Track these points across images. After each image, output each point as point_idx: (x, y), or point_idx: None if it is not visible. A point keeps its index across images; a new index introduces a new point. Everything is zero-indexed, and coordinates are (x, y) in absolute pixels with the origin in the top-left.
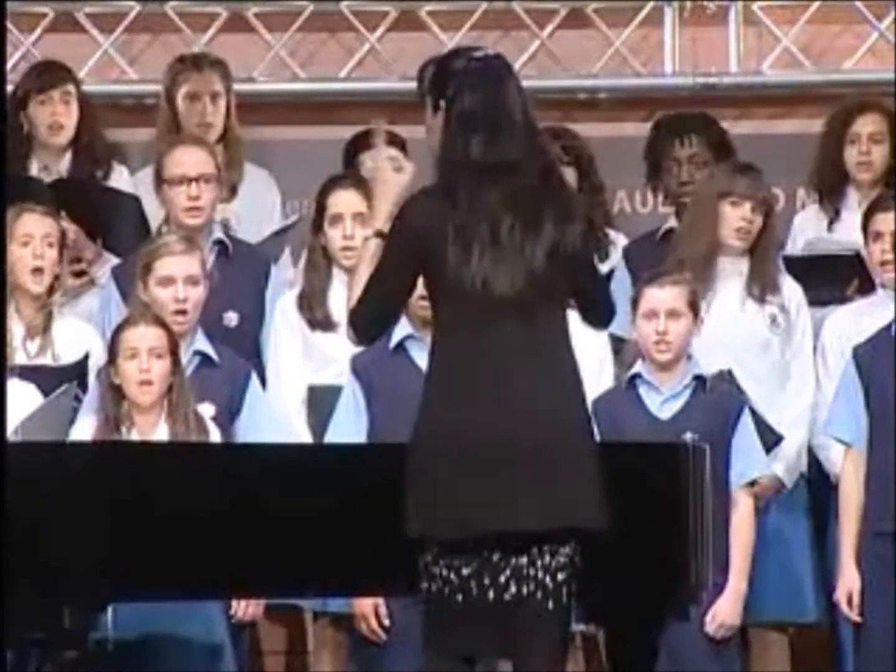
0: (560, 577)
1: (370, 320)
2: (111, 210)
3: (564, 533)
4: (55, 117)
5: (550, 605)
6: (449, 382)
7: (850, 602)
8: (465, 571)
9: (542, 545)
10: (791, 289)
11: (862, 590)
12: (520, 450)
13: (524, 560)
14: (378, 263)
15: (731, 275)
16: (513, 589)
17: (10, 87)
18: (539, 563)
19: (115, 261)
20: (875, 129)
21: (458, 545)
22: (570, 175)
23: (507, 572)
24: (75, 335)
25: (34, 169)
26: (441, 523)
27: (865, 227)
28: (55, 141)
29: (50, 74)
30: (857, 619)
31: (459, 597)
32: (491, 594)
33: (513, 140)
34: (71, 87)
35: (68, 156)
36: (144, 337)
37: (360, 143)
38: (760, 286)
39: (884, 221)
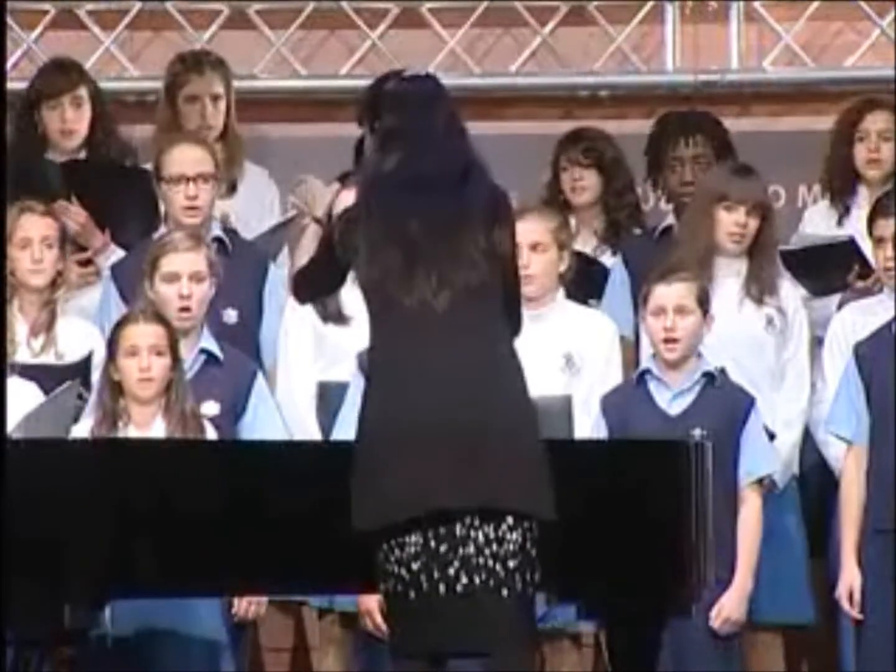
0: (511, 564)
1: (302, 289)
2: (124, 190)
3: (503, 517)
4: (65, 124)
5: (505, 593)
6: (382, 382)
7: (851, 599)
8: (414, 566)
9: (486, 532)
10: (789, 290)
11: (863, 587)
12: (447, 440)
13: (471, 550)
14: (315, 252)
15: (729, 275)
16: (464, 580)
17: (22, 85)
18: (487, 551)
19: (121, 252)
20: (884, 126)
21: (401, 537)
22: (591, 177)
23: (456, 564)
24: (78, 333)
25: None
26: (376, 513)
27: (870, 231)
28: (67, 145)
29: (60, 77)
30: (858, 616)
31: (413, 593)
32: (442, 587)
33: (430, 156)
34: (82, 91)
35: (83, 155)
36: (144, 334)
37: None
38: (759, 287)
39: (885, 227)
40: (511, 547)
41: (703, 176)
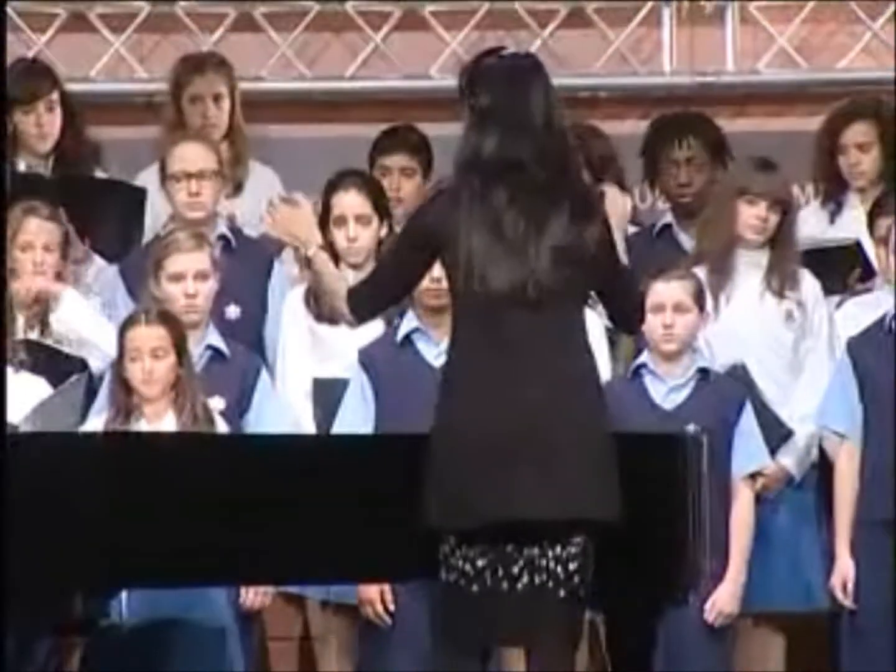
0: (572, 566)
1: (364, 300)
2: (112, 205)
3: (574, 523)
4: (41, 128)
5: (563, 594)
6: (461, 378)
7: (844, 589)
8: (480, 563)
9: (554, 536)
10: (809, 284)
11: (856, 577)
12: (529, 443)
13: (536, 551)
14: (388, 254)
15: (750, 268)
16: (525, 579)
17: None
18: (551, 553)
19: (101, 262)
20: (862, 139)
21: (472, 535)
22: None
23: (521, 563)
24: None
25: (20, 169)
26: (454, 514)
27: (871, 231)
28: (41, 148)
29: (33, 83)
30: (852, 605)
31: (475, 588)
32: (504, 585)
33: (527, 138)
34: (55, 95)
35: (52, 158)
36: (146, 338)
37: (380, 141)
38: (779, 280)
39: (883, 226)
40: (574, 549)
41: (700, 177)
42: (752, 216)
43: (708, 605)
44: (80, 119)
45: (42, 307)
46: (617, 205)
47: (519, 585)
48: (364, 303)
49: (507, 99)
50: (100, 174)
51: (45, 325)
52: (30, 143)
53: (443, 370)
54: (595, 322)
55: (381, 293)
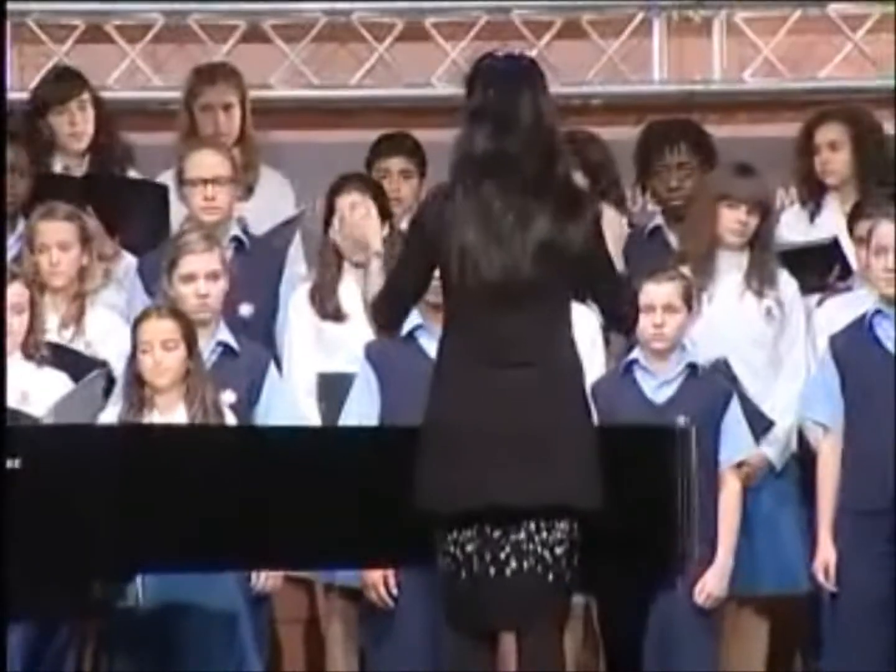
0: (559, 550)
1: (385, 312)
2: (137, 202)
3: (558, 510)
4: (74, 127)
5: (550, 577)
6: (449, 369)
7: (826, 573)
8: (468, 548)
9: (538, 521)
10: (786, 282)
11: (838, 563)
12: (513, 432)
13: (523, 536)
14: (396, 261)
15: (731, 268)
16: (513, 564)
17: (25, 94)
18: (537, 538)
19: (130, 257)
20: (832, 137)
21: (459, 522)
22: (577, 178)
23: (507, 549)
24: (106, 324)
25: (57, 170)
26: (439, 500)
27: (851, 232)
28: (76, 147)
29: (65, 85)
30: (833, 588)
31: (464, 573)
32: (492, 570)
33: (514, 134)
34: (86, 95)
35: (88, 158)
36: (156, 330)
37: (379, 146)
38: (759, 280)
39: (863, 227)
40: (560, 535)
41: (690, 182)
42: (732, 220)
43: (697, 589)
44: (112, 120)
45: (78, 308)
46: (613, 224)
47: (507, 571)
48: (385, 313)
49: (497, 96)
50: (133, 173)
51: (79, 325)
52: (64, 142)
53: (434, 362)
54: (591, 318)
55: (397, 301)
